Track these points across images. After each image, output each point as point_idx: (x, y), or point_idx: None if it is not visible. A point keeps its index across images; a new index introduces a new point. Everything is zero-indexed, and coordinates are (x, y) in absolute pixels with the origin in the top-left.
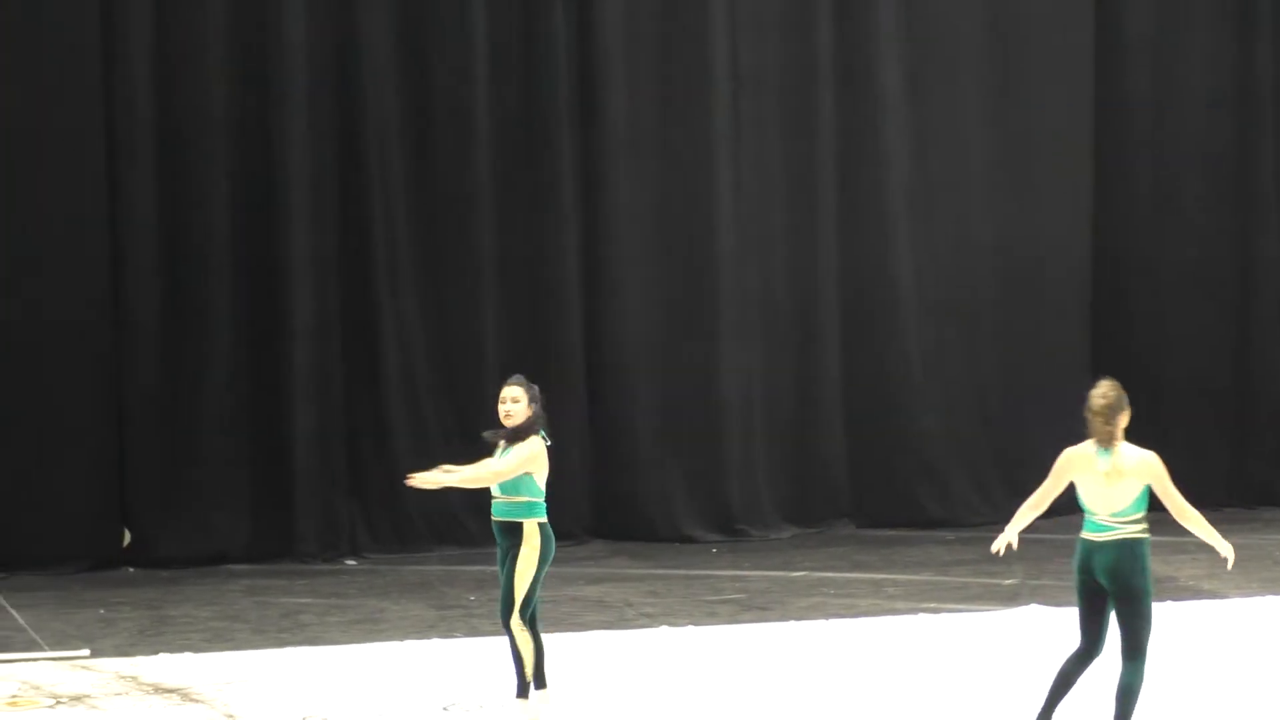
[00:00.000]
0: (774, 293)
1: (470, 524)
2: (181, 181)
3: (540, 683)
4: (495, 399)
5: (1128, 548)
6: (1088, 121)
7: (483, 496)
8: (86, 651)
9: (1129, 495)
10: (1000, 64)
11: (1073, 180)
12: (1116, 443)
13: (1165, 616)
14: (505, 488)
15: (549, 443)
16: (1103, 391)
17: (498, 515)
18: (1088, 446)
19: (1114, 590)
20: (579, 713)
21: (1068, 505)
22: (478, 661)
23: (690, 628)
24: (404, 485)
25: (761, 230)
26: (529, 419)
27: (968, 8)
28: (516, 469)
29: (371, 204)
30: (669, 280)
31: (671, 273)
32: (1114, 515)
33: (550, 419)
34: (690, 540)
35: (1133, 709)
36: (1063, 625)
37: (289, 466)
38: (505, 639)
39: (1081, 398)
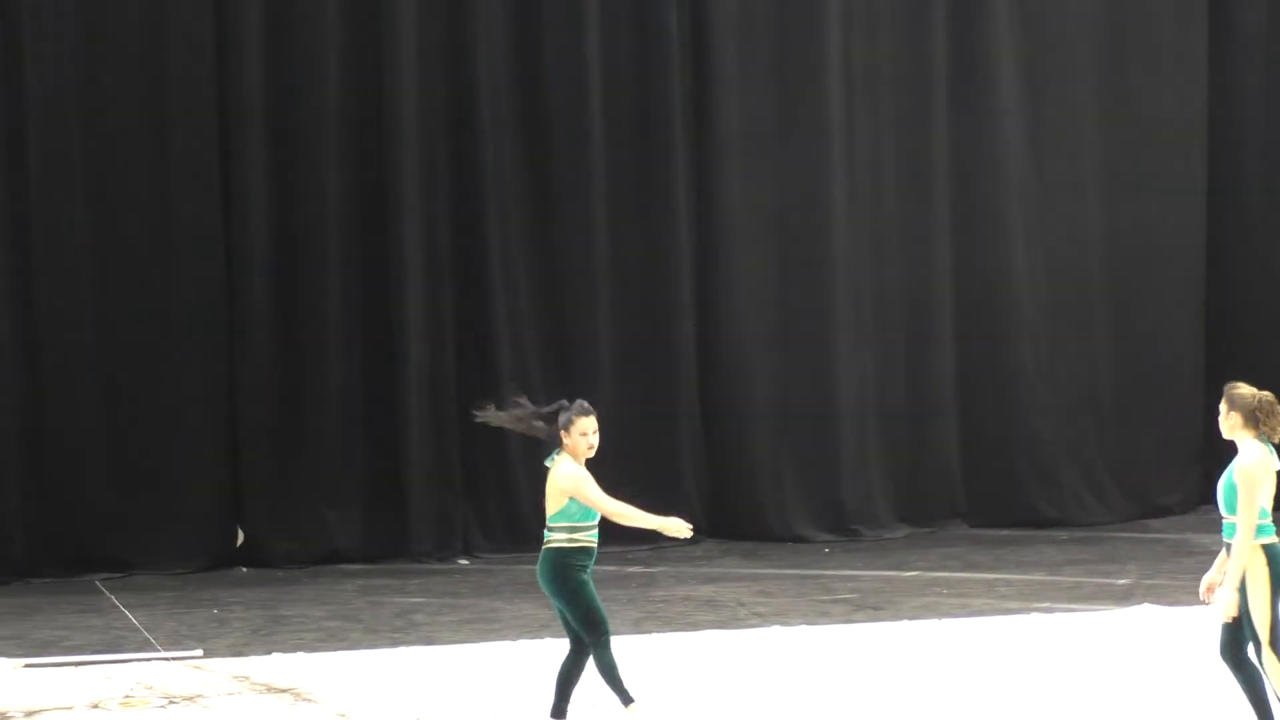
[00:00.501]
0: (887, 292)
1: None
2: (294, 179)
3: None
4: (607, 397)
5: None
6: (1202, 119)
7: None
8: (199, 651)
9: None
10: (1114, 61)
11: (1186, 177)
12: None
13: None
14: None
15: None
16: (1255, 389)
17: None
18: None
19: None
20: (691, 712)
21: (1181, 505)
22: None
23: (802, 627)
24: (517, 484)
25: (875, 228)
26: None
27: (1082, 5)
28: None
29: (485, 202)
30: (782, 278)
31: (785, 271)
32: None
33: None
34: (803, 540)
35: None
36: (1176, 625)
37: (403, 466)
38: (623, 641)
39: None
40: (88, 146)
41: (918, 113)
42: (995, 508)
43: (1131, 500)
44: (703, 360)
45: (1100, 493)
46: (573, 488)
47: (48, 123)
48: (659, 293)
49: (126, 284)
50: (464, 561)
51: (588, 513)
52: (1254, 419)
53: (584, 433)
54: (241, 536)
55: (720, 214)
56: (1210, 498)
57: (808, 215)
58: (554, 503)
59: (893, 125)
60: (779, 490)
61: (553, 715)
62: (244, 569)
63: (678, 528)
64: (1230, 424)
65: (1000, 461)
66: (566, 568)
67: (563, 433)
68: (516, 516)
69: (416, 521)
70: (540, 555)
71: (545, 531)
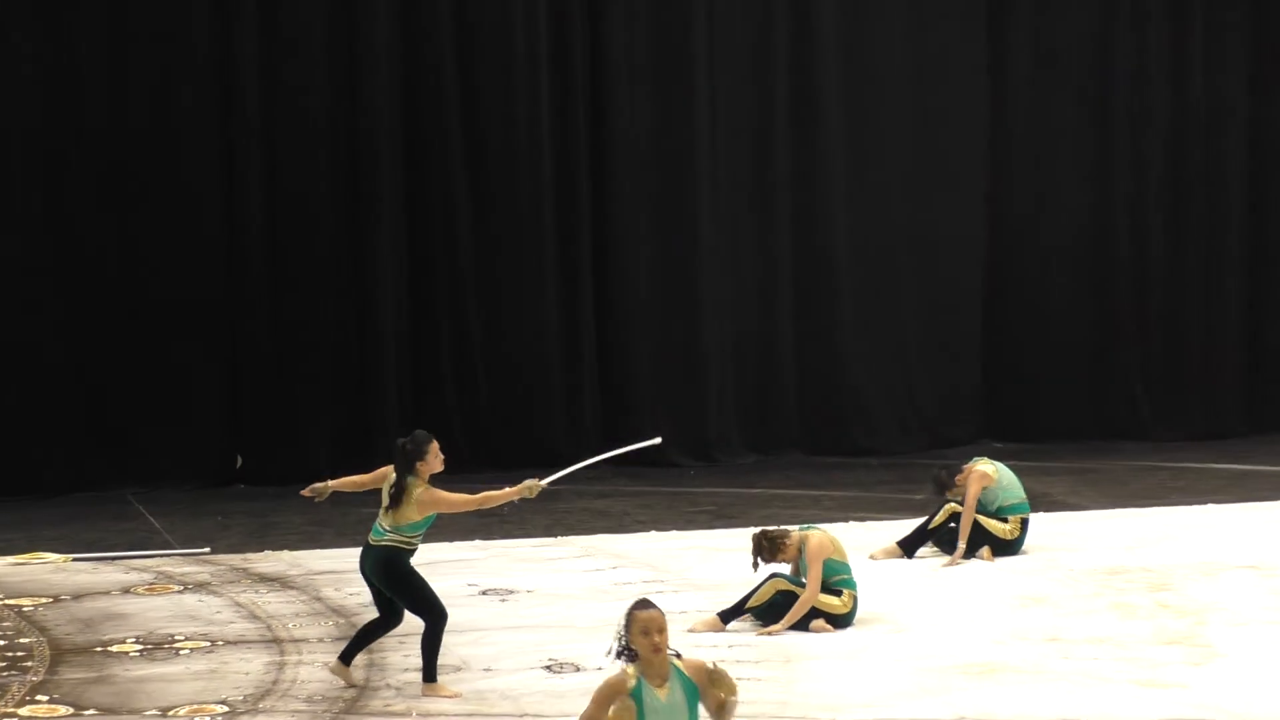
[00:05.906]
0: (743, 267)
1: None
2: (286, 139)
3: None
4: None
5: None
6: (983, 131)
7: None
8: (207, 549)
9: None
10: (915, 86)
11: (967, 178)
12: None
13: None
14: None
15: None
16: None
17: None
18: None
19: None
20: (583, 594)
21: (966, 437)
22: (508, 560)
23: (674, 531)
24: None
25: (732, 216)
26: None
27: (890, 46)
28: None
29: (432, 167)
30: (664, 244)
31: (664, 249)
32: None
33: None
34: (675, 465)
35: None
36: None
37: (368, 406)
38: (536, 543)
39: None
40: (111, 128)
41: (763, 132)
42: (825, 439)
43: (929, 434)
44: (601, 313)
45: (906, 428)
46: (446, 506)
47: (72, 103)
48: (565, 246)
49: (141, 231)
50: None
51: (430, 520)
52: None
53: (438, 455)
54: (240, 461)
55: (613, 199)
56: (988, 433)
57: (677, 207)
58: (414, 515)
59: (746, 138)
60: (656, 425)
61: (341, 658)
62: (243, 486)
63: (530, 487)
64: None
65: (829, 401)
66: (403, 564)
67: (420, 462)
68: (478, 441)
69: (384, 448)
70: (373, 553)
71: (381, 531)
